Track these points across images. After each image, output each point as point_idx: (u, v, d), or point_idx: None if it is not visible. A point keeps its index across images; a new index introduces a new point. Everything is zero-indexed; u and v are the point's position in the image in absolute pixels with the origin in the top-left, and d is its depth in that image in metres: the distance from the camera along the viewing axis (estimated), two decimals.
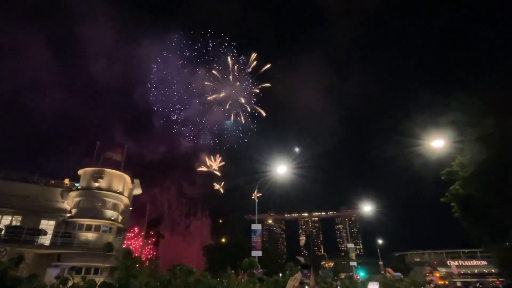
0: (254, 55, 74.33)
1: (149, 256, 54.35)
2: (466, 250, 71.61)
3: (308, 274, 2.58)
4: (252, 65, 74.09)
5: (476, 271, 66.05)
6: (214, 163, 70.30)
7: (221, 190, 71.41)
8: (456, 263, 64.21)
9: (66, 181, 32.31)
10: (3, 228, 25.17)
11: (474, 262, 67.60)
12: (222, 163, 71.52)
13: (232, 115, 76.48)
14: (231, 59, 73.43)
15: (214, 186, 71.76)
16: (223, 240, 69.42)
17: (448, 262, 67.37)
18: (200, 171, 71.96)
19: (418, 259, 78.34)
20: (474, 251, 68.26)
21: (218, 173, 70.91)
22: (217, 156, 71.03)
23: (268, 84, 76.53)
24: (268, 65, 76.18)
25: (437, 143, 20.76)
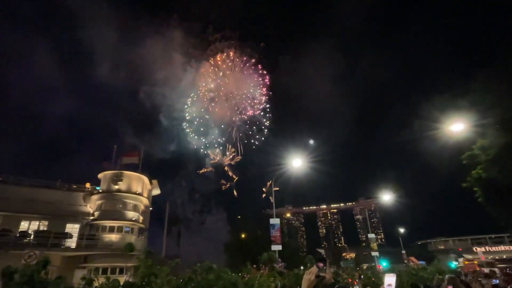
0: (261, 45, 73.14)
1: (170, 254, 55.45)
2: (493, 236, 69.38)
3: (324, 268, 2.54)
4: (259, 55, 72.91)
5: (504, 257, 63.97)
6: (227, 158, 70.27)
7: (235, 193, 71.38)
8: (482, 249, 62.29)
9: (87, 185, 33.36)
10: (32, 233, 26.30)
11: (502, 248, 65.43)
12: (238, 158, 71.39)
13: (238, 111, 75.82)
14: (236, 52, 72.58)
15: (224, 185, 71.82)
16: (243, 235, 69.93)
17: (474, 249, 65.47)
18: (212, 167, 72.06)
19: (442, 247, 76.45)
20: (501, 236, 66.04)
21: (230, 172, 70.93)
22: (229, 148, 70.85)
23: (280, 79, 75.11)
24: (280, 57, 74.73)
25: (457, 126, 20.13)
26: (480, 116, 23.10)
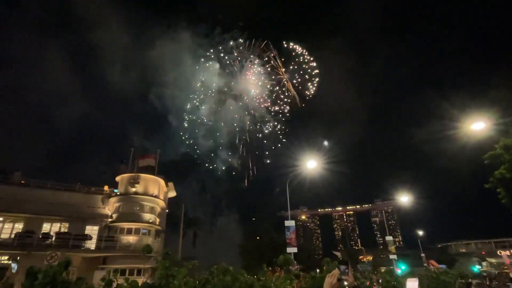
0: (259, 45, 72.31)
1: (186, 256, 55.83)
2: None
3: (346, 270, 2.48)
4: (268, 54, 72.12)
5: None
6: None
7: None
8: (507, 252, 59.94)
9: (106, 188, 34.18)
10: (54, 234, 27.14)
11: None
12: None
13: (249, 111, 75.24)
14: (246, 51, 71.85)
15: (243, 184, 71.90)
16: (258, 237, 69.73)
17: (498, 252, 63.03)
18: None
19: (463, 250, 74.11)
20: None
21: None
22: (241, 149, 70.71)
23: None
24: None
25: (478, 125, 19.43)
26: (502, 114, 22.26)
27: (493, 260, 62.06)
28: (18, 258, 23.85)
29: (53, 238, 26.60)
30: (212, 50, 73.86)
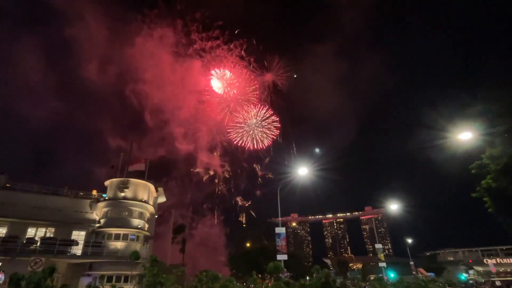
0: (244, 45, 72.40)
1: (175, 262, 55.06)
2: (504, 247, 67.81)
3: None
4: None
5: None
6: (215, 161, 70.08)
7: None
8: (493, 261, 60.87)
9: (94, 192, 33.55)
10: (39, 239, 26.43)
11: None
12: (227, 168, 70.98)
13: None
14: (227, 51, 72.13)
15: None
16: (248, 244, 69.30)
17: (484, 260, 63.99)
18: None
19: (451, 258, 74.96)
20: None
21: (219, 172, 70.77)
22: (217, 153, 70.67)
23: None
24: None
25: (465, 135, 19.89)
26: (488, 125, 22.86)
27: (480, 268, 62.89)
28: (1, 264, 23.15)
29: (38, 244, 25.89)
30: (191, 49, 73.58)
